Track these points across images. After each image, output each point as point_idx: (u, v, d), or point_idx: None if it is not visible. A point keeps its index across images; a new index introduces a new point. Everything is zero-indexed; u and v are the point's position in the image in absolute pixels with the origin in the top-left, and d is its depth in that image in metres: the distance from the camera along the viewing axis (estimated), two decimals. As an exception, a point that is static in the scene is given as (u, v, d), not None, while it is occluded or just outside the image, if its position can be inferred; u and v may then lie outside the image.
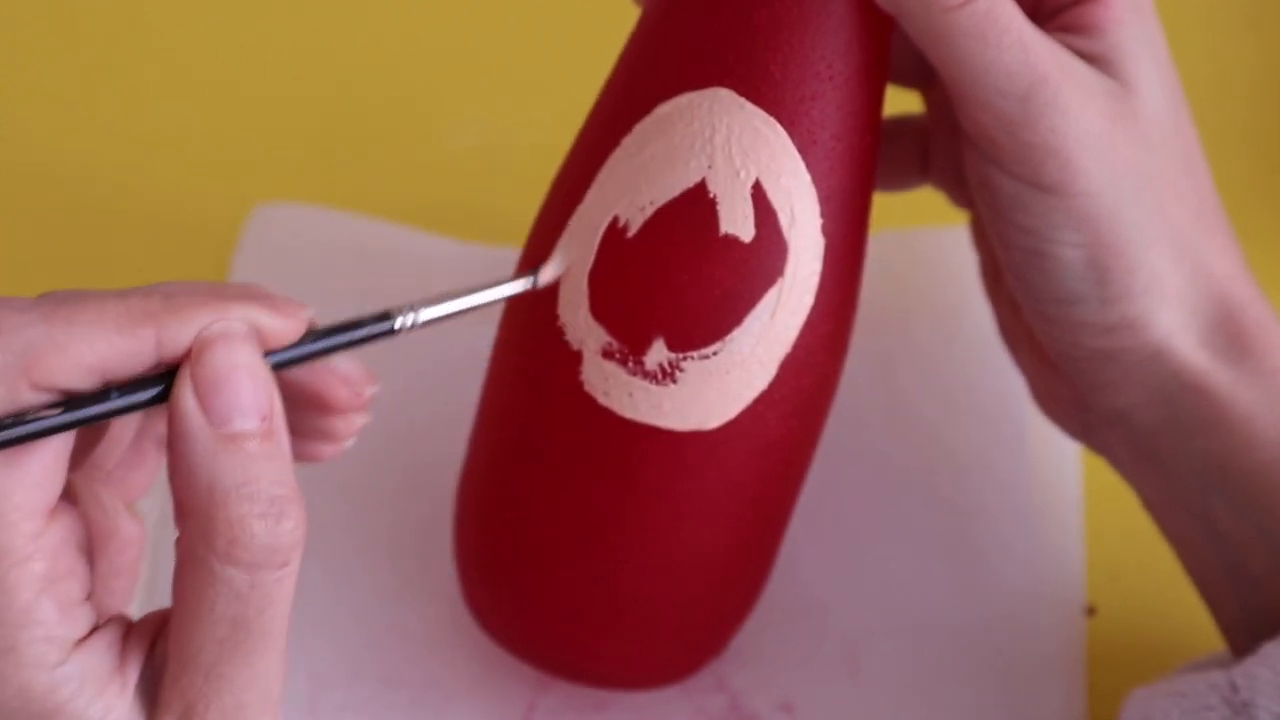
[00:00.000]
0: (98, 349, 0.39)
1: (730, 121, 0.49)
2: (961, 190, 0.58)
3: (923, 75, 0.57)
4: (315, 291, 0.66)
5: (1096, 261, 0.51)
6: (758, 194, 0.49)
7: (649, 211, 0.50)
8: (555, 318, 0.51)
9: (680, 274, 0.49)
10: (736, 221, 0.49)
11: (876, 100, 0.51)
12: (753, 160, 0.49)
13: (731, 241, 0.49)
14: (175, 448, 0.39)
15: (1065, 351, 0.53)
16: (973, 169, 0.52)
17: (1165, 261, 0.51)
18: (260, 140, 0.71)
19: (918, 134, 0.59)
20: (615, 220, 0.50)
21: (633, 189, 0.50)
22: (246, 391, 0.39)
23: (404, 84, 0.72)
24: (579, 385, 0.51)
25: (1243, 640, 0.54)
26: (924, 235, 0.66)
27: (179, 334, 0.40)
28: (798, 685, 0.60)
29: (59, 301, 0.40)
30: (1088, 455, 0.60)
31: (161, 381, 0.40)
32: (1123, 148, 0.50)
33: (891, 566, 0.61)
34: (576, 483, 0.52)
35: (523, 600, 0.54)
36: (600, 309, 0.50)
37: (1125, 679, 0.55)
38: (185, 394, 0.39)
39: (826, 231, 0.50)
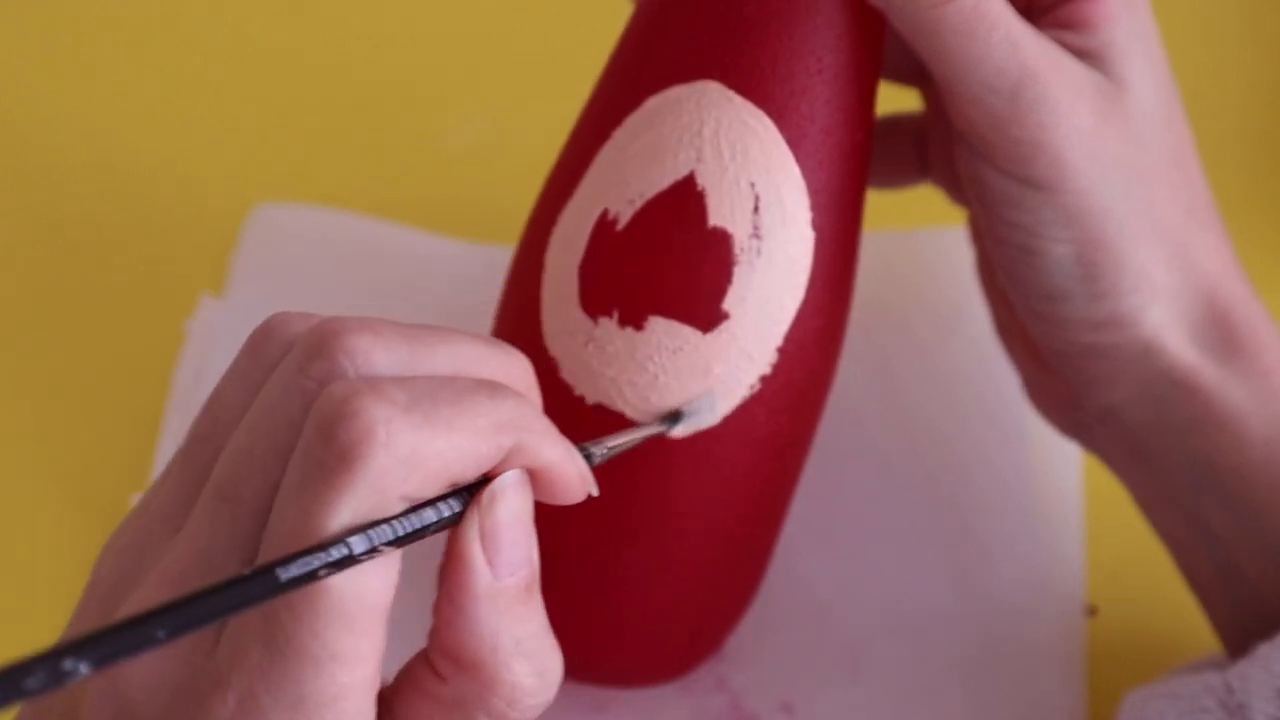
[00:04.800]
0: (464, 461, 0.37)
1: (719, 115, 0.49)
2: (960, 187, 0.58)
3: (921, 72, 0.57)
4: (315, 291, 0.66)
5: (1085, 258, 0.51)
6: (746, 187, 0.49)
7: (638, 204, 0.50)
8: (539, 325, 0.51)
9: (669, 266, 0.49)
10: (725, 214, 0.49)
11: (868, 96, 0.51)
12: (741, 153, 0.49)
13: (720, 234, 0.49)
14: (456, 600, 0.38)
15: (1056, 348, 0.53)
16: (963, 165, 0.52)
17: (1154, 259, 0.51)
18: (260, 140, 0.71)
19: (916, 131, 0.59)
20: (605, 213, 0.50)
21: (622, 182, 0.50)
22: (526, 542, 0.39)
23: (404, 84, 0.72)
24: (566, 385, 0.51)
25: (1237, 639, 0.54)
26: (924, 235, 0.66)
27: (525, 457, 0.38)
28: (798, 685, 0.60)
29: (435, 397, 0.37)
30: (1089, 455, 0.60)
31: (459, 500, 0.38)
32: (1112, 144, 0.50)
33: (891, 566, 0.61)
34: None
35: None
36: (590, 301, 0.50)
37: (1125, 679, 0.55)
38: (473, 544, 0.38)
39: (816, 225, 0.50)
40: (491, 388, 0.38)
